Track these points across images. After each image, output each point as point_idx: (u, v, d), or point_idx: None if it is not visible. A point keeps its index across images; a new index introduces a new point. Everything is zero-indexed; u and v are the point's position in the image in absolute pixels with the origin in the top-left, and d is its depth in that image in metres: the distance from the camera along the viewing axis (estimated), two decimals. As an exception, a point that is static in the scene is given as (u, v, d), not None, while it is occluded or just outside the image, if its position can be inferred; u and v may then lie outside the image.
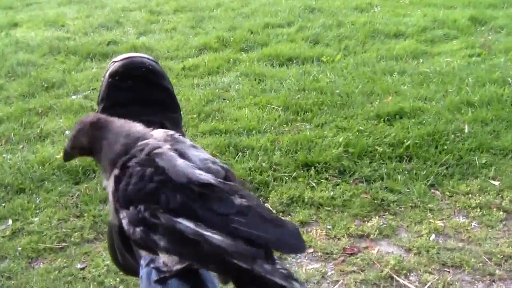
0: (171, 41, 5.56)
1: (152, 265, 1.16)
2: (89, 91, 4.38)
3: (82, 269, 2.51)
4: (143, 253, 1.07)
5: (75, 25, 6.36)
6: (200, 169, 1.01)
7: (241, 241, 0.93)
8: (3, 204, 2.94)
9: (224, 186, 0.99)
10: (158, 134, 1.08)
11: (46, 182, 3.10)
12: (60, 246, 2.65)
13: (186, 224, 0.94)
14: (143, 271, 1.19)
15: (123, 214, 1.00)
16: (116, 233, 1.40)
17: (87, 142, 1.10)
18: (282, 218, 1.02)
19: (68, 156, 1.19)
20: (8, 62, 5.10)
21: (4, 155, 3.41)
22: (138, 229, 0.98)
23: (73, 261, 2.55)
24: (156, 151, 1.03)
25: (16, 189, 3.06)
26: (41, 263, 2.56)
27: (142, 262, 1.21)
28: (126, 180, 1.00)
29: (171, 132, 1.09)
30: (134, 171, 1.00)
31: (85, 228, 2.76)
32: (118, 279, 2.40)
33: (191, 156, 1.03)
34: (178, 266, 1.12)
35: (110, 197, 1.05)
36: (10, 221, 2.82)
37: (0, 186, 3.08)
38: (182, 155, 1.03)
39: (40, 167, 3.21)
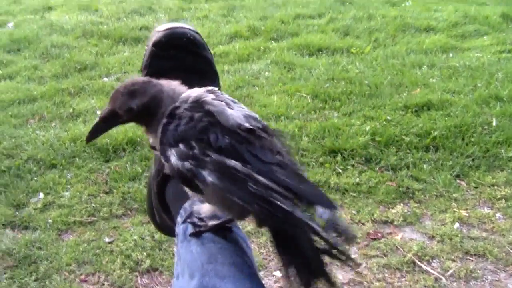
0: (202, 29, 5.60)
1: (188, 221, 1.20)
2: (121, 74, 4.44)
3: (110, 242, 2.56)
4: (191, 196, 1.08)
5: (109, 10, 6.42)
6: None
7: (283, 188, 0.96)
8: (35, 178, 3.01)
9: (266, 136, 1.03)
10: (198, 90, 1.11)
11: (77, 159, 3.16)
12: (89, 220, 2.72)
13: (235, 162, 0.97)
14: (179, 228, 1.23)
15: (172, 151, 1.01)
16: (154, 194, 1.45)
17: (141, 103, 1.08)
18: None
19: (106, 125, 1.11)
20: (42, 44, 5.19)
21: (37, 132, 3.48)
22: (187, 163, 0.99)
23: (102, 235, 2.61)
24: (203, 99, 1.06)
25: (48, 164, 3.13)
26: (71, 236, 2.63)
27: (179, 220, 1.26)
28: (175, 123, 1.02)
29: (211, 87, 1.12)
30: (183, 114, 1.03)
31: (114, 204, 2.82)
32: (145, 253, 2.46)
33: (235, 108, 1.06)
34: (214, 222, 1.17)
35: (157, 146, 1.07)
36: (41, 195, 2.89)
37: (33, 161, 3.15)
38: (228, 105, 1.05)
39: (72, 144, 3.28)
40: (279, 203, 0.94)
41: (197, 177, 0.99)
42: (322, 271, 1.01)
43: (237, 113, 1.04)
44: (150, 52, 1.47)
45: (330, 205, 0.98)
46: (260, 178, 0.96)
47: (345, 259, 1.01)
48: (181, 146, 1.01)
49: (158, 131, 1.05)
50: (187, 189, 1.08)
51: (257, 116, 1.07)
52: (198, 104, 1.05)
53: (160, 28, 1.48)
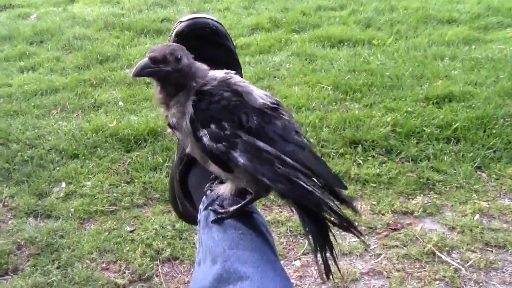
0: (224, 20, 5.60)
1: (210, 208, 1.23)
2: (142, 65, 4.45)
3: (131, 231, 2.60)
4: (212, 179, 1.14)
5: (130, 2, 6.46)
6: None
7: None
8: (58, 168, 3.05)
9: (285, 113, 1.12)
10: (221, 71, 1.14)
11: (99, 149, 3.20)
12: (110, 210, 2.75)
13: (263, 144, 1.06)
14: (201, 215, 1.26)
15: (204, 132, 1.07)
16: (177, 182, 1.47)
17: (187, 62, 1.11)
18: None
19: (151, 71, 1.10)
20: (65, 36, 5.24)
21: (59, 122, 3.53)
22: (220, 145, 1.06)
23: (123, 224, 2.65)
24: (230, 79, 1.11)
25: (70, 154, 3.17)
26: (92, 224, 2.67)
27: (201, 207, 1.28)
28: (206, 101, 1.08)
29: (228, 71, 1.15)
30: (213, 92, 1.08)
31: (135, 193, 2.85)
32: (165, 242, 2.49)
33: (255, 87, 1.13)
34: (235, 207, 1.19)
35: (184, 124, 1.11)
36: (63, 184, 2.92)
37: (55, 151, 3.19)
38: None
39: (94, 135, 3.31)
40: (302, 182, 1.05)
41: (230, 158, 1.07)
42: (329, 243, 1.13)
43: (260, 92, 1.12)
44: (172, 42, 1.49)
45: (342, 186, 1.11)
46: (288, 159, 1.05)
47: (354, 231, 1.13)
48: (212, 126, 1.07)
49: (188, 107, 1.09)
50: (213, 168, 1.14)
51: (272, 98, 1.14)
52: (226, 83, 1.11)
53: (183, 19, 1.51)
